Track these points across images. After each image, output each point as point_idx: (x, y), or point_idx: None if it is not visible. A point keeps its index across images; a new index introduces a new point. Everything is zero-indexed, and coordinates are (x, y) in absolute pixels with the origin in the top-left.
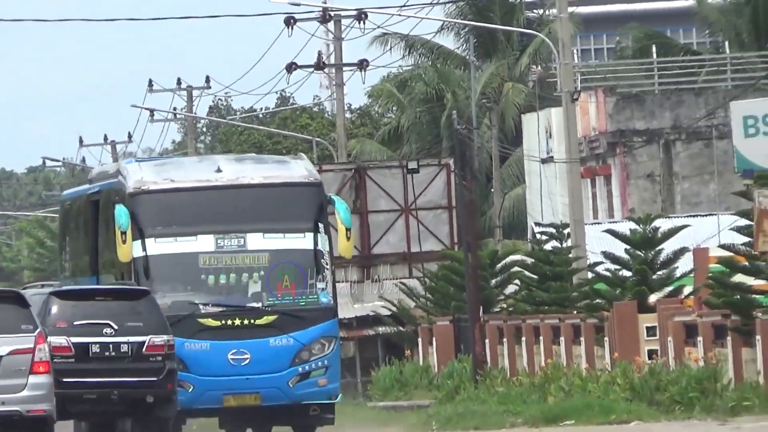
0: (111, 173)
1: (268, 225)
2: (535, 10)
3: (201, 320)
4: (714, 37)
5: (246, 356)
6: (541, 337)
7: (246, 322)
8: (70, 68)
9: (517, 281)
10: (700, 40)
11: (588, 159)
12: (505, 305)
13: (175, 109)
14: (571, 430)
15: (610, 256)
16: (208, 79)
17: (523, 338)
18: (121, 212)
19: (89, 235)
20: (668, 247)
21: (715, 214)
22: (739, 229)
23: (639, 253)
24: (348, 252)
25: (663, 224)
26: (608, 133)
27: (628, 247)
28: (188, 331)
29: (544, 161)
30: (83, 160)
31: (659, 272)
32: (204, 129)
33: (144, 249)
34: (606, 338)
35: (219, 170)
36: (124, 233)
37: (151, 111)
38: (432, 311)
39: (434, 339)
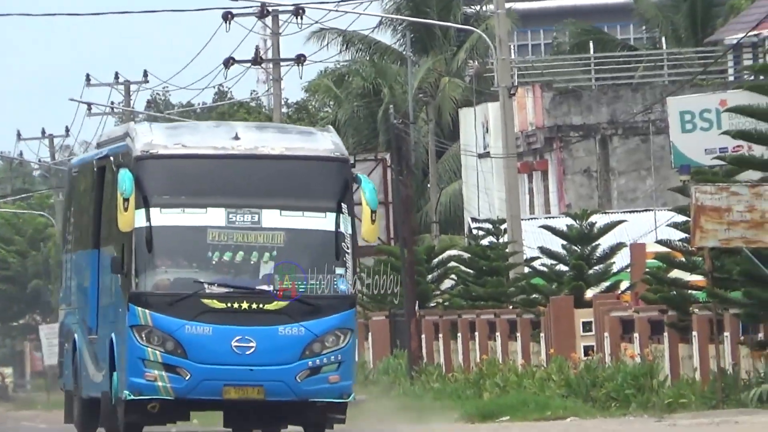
0: (119, 136)
1: (287, 201)
2: (472, 6)
3: (205, 301)
4: (651, 32)
5: (251, 344)
6: (476, 333)
7: (254, 306)
8: (7, 62)
9: (453, 276)
10: (637, 36)
11: (525, 154)
12: (441, 300)
13: (112, 103)
14: (506, 426)
15: (546, 252)
16: (146, 74)
17: (459, 333)
18: (124, 177)
19: (93, 205)
20: (605, 243)
21: (652, 210)
22: (676, 225)
23: (576, 248)
24: (372, 236)
25: (599, 220)
26: (545, 128)
27: (564, 242)
28: (190, 313)
29: (480, 156)
30: (21, 153)
31: (596, 267)
32: None
33: (147, 219)
34: (542, 334)
35: (237, 138)
36: (126, 200)
37: (89, 105)
38: (368, 306)
39: (370, 334)
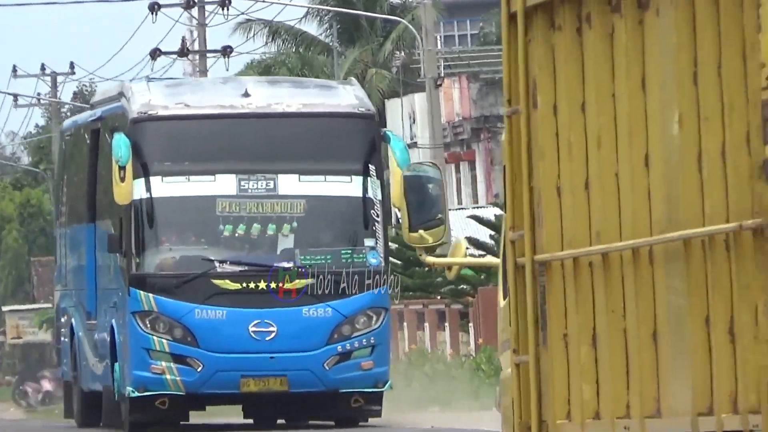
0: (113, 96)
1: (306, 165)
2: None
3: (216, 282)
4: None
5: (271, 329)
6: (405, 323)
7: (273, 285)
8: None
9: None
10: None
11: (452, 144)
12: None
13: (39, 94)
14: (436, 416)
15: (474, 242)
16: (72, 65)
17: None
18: (120, 142)
19: (88, 173)
20: None
21: None
22: None
23: None
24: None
25: None
26: (472, 118)
27: (493, 232)
28: (200, 296)
29: (408, 147)
30: None
31: None
32: (68, 114)
33: (148, 189)
34: (471, 324)
35: (247, 94)
36: (123, 168)
37: (15, 96)
38: None
39: None
